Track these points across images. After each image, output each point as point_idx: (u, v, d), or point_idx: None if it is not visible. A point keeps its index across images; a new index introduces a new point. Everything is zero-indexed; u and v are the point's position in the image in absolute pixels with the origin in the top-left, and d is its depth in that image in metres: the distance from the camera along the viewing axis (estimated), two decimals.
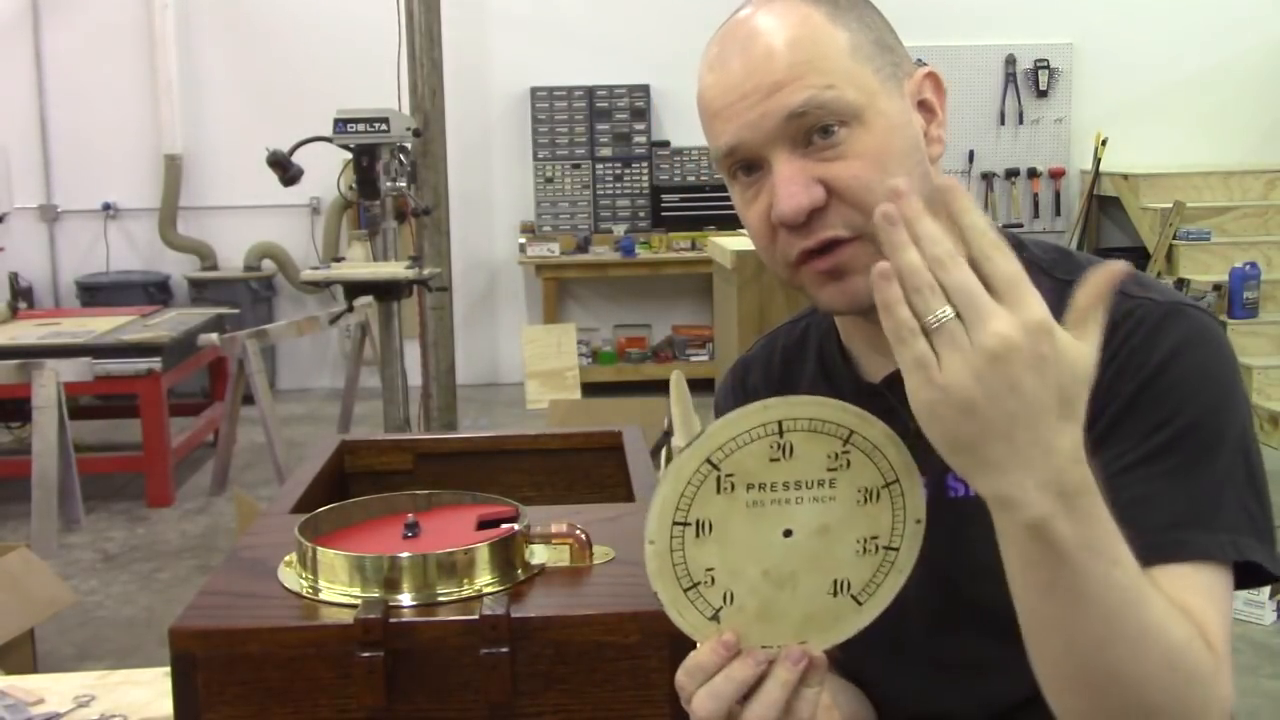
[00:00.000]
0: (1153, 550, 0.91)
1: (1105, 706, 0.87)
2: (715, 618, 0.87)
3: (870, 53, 1.04)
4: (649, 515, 0.86)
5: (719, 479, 0.85)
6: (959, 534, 1.03)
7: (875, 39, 1.05)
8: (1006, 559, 0.85)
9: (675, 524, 0.86)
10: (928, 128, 1.08)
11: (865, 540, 0.88)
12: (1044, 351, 0.78)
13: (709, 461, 0.85)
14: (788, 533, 0.87)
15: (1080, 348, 0.80)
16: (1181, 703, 0.87)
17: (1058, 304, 1.08)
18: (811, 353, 1.22)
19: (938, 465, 1.09)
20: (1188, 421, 0.98)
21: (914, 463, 0.87)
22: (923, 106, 1.08)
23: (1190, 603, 0.91)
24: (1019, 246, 1.14)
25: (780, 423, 0.85)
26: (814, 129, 1.01)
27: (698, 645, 0.90)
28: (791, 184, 1.01)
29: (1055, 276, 1.09)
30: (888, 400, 1.13)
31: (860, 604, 0.88)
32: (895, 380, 1.13)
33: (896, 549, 0.88)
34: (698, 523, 0.86)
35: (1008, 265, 0.79)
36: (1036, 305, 0.78)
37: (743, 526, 0.86)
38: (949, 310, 0.78)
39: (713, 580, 0.87)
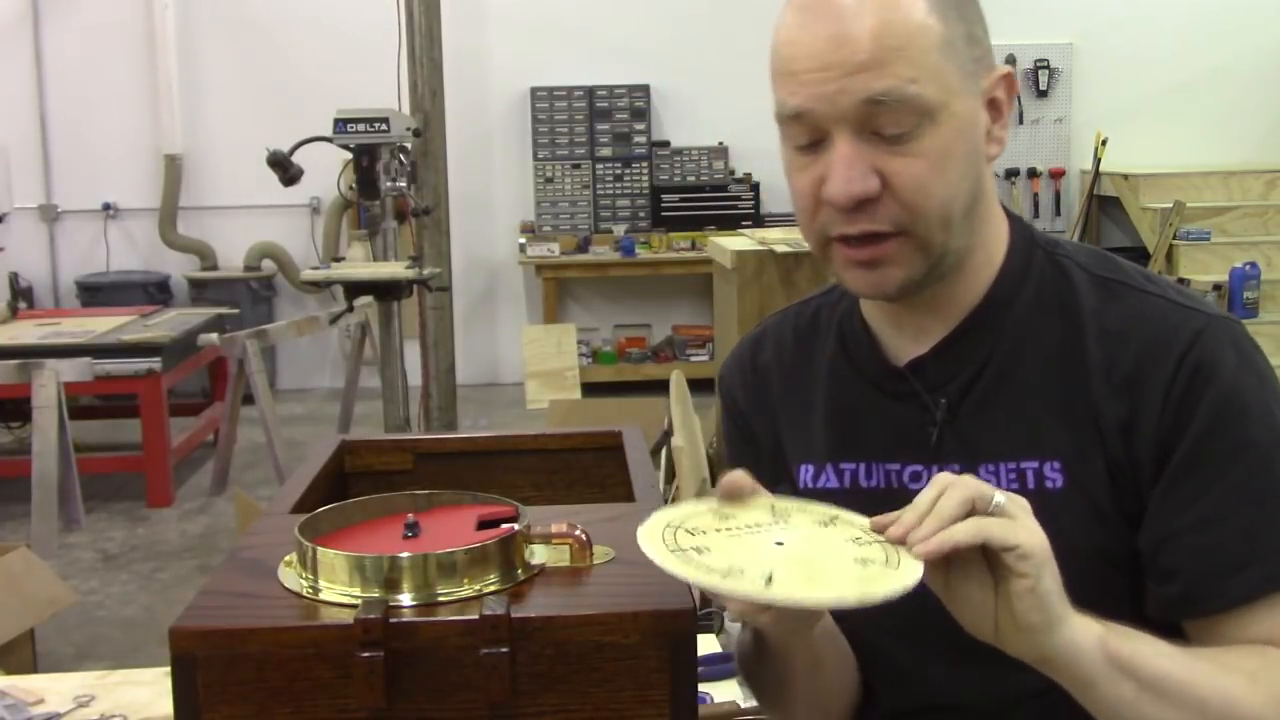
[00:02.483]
0: (1254, 586, 1.00)
1: None
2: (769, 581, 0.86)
3: (960, 47, 1.04)
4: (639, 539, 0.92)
5: (678, 531, 0.92)
6: None
7: (966, 32, 1.05)
8: (1091, 704, 0.94)
9: (668, 548, 0.90)
10: (991, 127, 1.08)
11: (857, 536, 0.90)
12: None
13: (668, 525, 0.92)
14: (779, 543, 0.90)
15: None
16: None
17: (1097, 297, 1.08)
18: (829, 333, 1.21)
19: (970, 454, 1.09)
20: (1261, 450, 1.02)
21: (838, 508, 0.94)
22: (991, 105, 1.08)
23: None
24: (1055, 245, 1.14)
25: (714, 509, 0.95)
26: (885, 119, 1.00)
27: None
28: (850, 168, 1.00)
29: (1092, 273, 1.11)
30: (910, 384, 1.12)
31: (896, 567, 0.87)
32: (919, 364, 1.12)
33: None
34: (692, 546, 0.90)
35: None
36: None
37: (733, 545, 0.90)
38: (1000, 497, 0.89)
39: (742, 571, 0.87)
